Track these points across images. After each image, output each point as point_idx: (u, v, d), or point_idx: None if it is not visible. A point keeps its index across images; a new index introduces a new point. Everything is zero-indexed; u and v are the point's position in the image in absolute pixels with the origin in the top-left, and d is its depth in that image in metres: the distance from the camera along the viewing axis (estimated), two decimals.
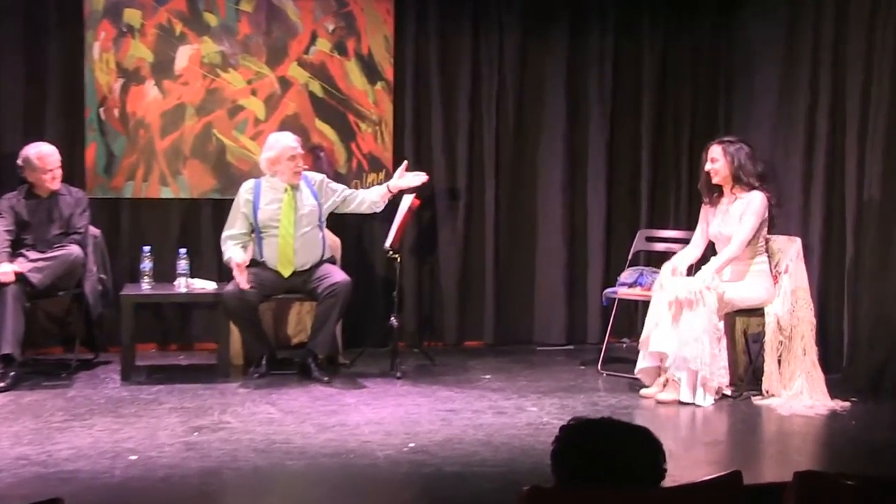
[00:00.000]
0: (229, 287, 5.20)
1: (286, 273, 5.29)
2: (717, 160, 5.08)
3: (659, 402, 4.88)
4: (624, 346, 6.32)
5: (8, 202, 5.37)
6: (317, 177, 5.52)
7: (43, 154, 5.35)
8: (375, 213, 5.60)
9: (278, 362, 5.44)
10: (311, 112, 6.09)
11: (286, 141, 5.31)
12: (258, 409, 4.70)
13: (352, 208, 5.54)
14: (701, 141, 6.37)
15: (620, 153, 6.50)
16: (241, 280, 5.11)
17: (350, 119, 6.17)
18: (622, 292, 5.57)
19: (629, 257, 5.87)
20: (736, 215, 5.04)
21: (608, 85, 6.42)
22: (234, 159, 6.05)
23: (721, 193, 5.15)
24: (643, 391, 5.02)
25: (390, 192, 5.52)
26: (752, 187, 5.04)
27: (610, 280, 6.04)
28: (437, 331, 6.35)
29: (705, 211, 5.22)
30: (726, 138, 5.16)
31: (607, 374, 5.50)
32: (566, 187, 6.40)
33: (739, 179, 5.05)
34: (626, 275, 5.64)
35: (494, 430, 4.39)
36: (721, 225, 5.11)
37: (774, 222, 5.10)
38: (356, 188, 5.97)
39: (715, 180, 5.11)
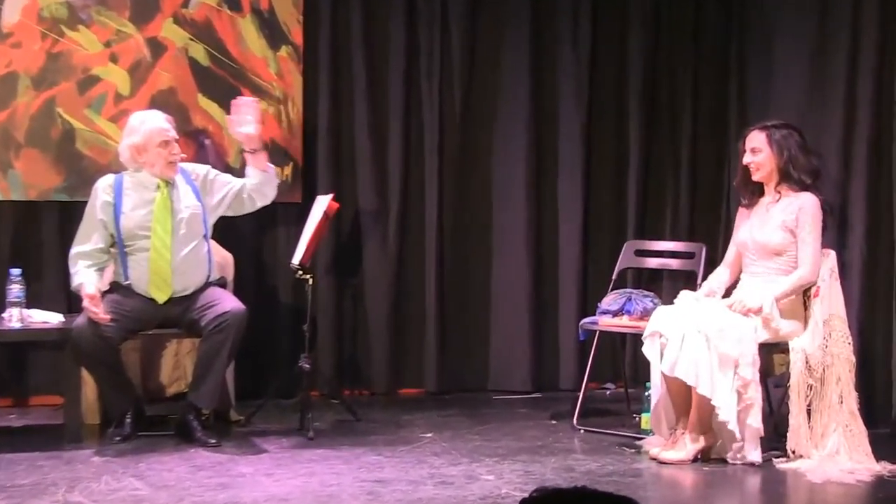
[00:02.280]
0: (80, 320, 5.10)
1: (161, 298, 5.23)
2: (759, 150, 5.12)
3: (662, 463, 4.91)
4: (608, 393, 6.43)
5: None
6: (200, 169, 5.46)
7: None
8: (266, 202, 5.51)
9: (148, 420, 5.38)
10: (193, 86, 6.07)
11: (155, 121, 5.28)
12: (120, 484, 4.57)
13: (247, 207, 5.49)
14: (705, 131, 6.46)
15: (601, 147, 6.59)
16: (94, 313, 5.01)
17: (245, 95, 6.03)
18: (604, 323, 5.59)
19: (613, 277, 5.91)
20: (777, 221, 5.08)
21: (584, 60, 6.49)
22: (87, 148, 5.95)
23: (761, 193, 5.21)
24: (652, 450, 5.02)
25: (247, 152, 5.44)
26: (803, 186, 5.10)
27: (588, 308, 6.08)
28: (363, 376, 6.41)
29: (741, 216, 5.31)
30: (770, 122, 5.24)
31: (585, 431, 5.52)
32: (530, 191, 6.49)
33: (789, 176, 5.10)
34: (610, 300, 5.65)
35: None
36: (757, 230, 5.15)
37: (824, 233, 5.16)
38: None
39: (756, 176, 5.15)
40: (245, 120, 5.38)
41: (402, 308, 6.40)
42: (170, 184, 5.27)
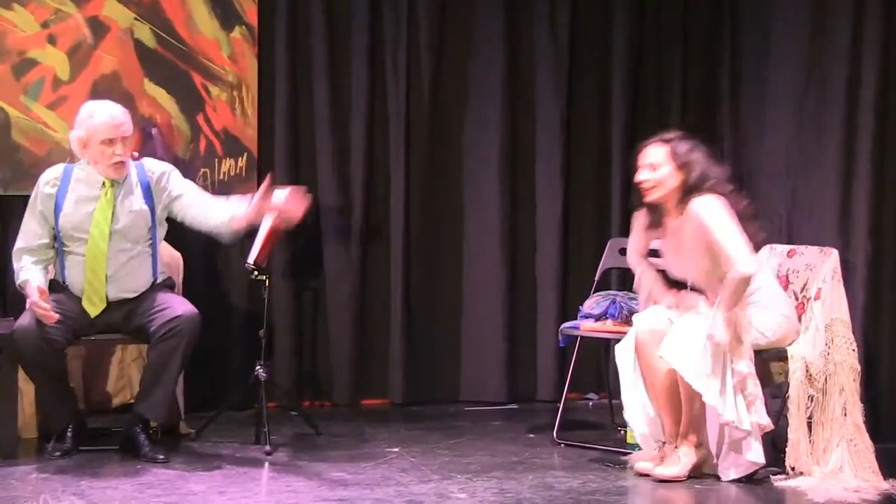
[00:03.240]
0: (24, 321, 5.10)
1: (94, 312, 5.24)
2: (659, 166, 4.99)
3: (659, 482, 4.89)
4: (590, 404, 6.45)
5: None
6: (158, 167, 5.40)
7: None
8: (221, 240, 5.46)
9: (91, 434, 5.38)
10: (139, 70, 6.10)
11: (102, 116, 5.24)
12: (60, 503, 4.53)
13: (189, 219, 5.42)
14: (694, 118, 6.48)
15: (582, 137, 6.60)
16: (44, 310, 5.00)
17: (195, 80, 6.15)
18: (586, 327, 5.61)
19: (596, 278, 5.93)
20: (691, 247, 4.93)
21: (564, 41, 6.50)
22: (24, 138, 5.96)
23: (662, 215, 5.06)
24: (639, 465, 5.02)
25: (248, 218, 5.31)
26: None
27: (568, 311, 6.14)
28: (324, 386, 6.42)
29: (640, 219, 5.19)
30: (670, 135, 5.11)
31: (566, 445, 5.52)
32: (505, 186, 6.51)
33: (694, 192, 4.91)
34: (592, 303, 5.68)
35: None
36: (678, 266, 5.07)
37: (755, 238, 4.98)
38: (206, 181, 6.02)
39: (652, 195, 5.00)
40: (292, 197, 5.31)
41: (366, 312, 6.40)
42: (117, 183, 5.26)
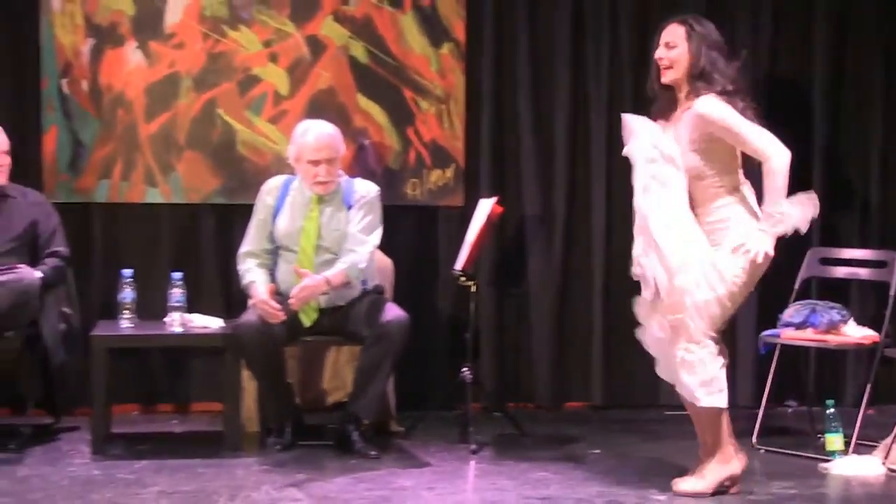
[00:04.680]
0: (247, 317, 5.20)
1: (307, 321, 5.32)
2: (675, 46, 4.59)
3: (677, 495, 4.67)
4: (790, 410, 6.34)
5: None
6: (363, 189, 5.40)
7: None
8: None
9: (307, 430, 5.46)
10: (352, 85, 6.17)
11: (310, 138, 5.28)
12: (280, 494, 4.63)
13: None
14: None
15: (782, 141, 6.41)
16: (272, 309, 5.09)
17: (406, 95, 6.20)
18: (787, 335, 5.51)
19: (796, 287, 5.81)
20: (685, 140, 4.54)
21: (765, 55, 6.43)
22: (247, 150, 6.09)
23: (675, 103, 4.65)
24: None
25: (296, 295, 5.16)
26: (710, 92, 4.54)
27: (769, 320, 5.93)
28: (527, 388, 6.41)
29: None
30: (694, 16, 4.77)
31: (766, 451, 5.44)
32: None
33: (700, 81, 4.54)
34: (792, 312, 5.58)
35: None
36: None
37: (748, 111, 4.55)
38: (415, 190, 6.10)
39: (667, 77, 4.62)
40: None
41: (567, 317, 6.38)
42: (325, 199, 5.31)
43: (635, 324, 6.31)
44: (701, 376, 4.58)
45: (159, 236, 6.07)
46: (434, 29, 6.16)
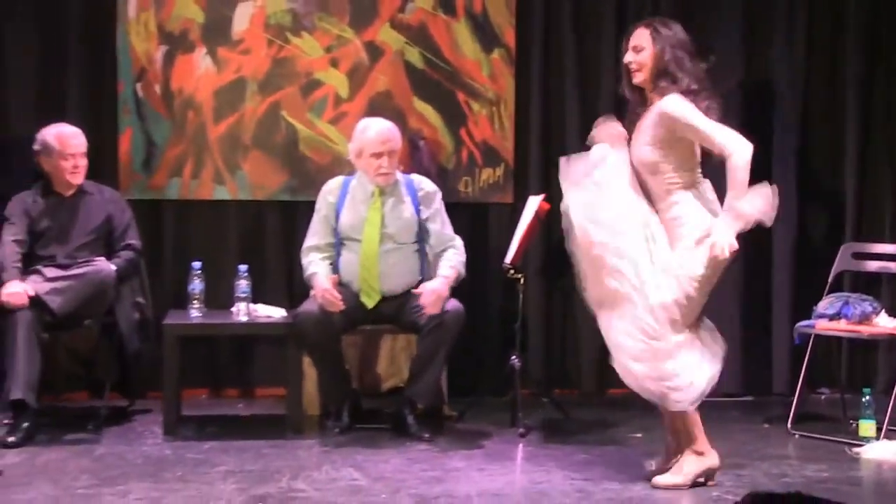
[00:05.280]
0: (307, 306, 5.26)
1: (370, 302, 5.38)
2: (642, 49, 4.51)
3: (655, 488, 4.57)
4: (823, 397, 6.29)
5: (20, 204, 5.50)
6: (427, 185, 5.52)
7: (64, 135, 5.47)
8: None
9: (365, 414, 5.53)
10: (408, 88, 6.18)
11: (371, 133, 5.37)
12: (339, 473, 4.71)
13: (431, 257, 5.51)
14: None
15: (815, 140, 6.46)
16: (333, 298, 5.17)
17: (459, 97, 6.22)
18: (821, 326, 5.51)
19: (829, 280, 5.79)
20: (647, 135, 4.47)
21: (800, 50, 6.37)
22: (309, 150, 6.13)
23: (645, 104, 4.57)
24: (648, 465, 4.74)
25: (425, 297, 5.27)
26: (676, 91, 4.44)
27: (803, 311, 5.93)
28: (572, 375, 6.41)
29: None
30: (660, 19, 4.74)
31: (800, 436, 5.43)
32: None
33: (666, 77, 4.45)
34: (826, 304, 5.57)
35: None
36: (633, 145, 4.57)
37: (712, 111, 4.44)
38: (467, 188, 6.10)
39: (637, 79, 4.54)
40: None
41: None
42: (386, 193, 5.39)
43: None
44: (660, 373, 4.43)
45: (226, 231, 6.13)
46: (485, 35, 6.17)
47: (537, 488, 4.54)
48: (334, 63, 6.12)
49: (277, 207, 6.15)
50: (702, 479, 4.56)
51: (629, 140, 4.58)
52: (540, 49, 6.28)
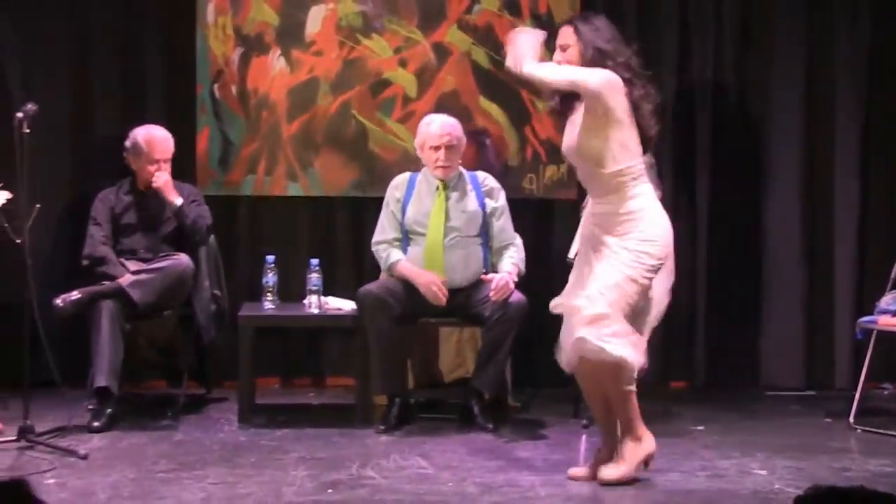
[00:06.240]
0: (369, 286, 5.31)
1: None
2: (568, 47, 4.39)
3: (604, 484, 4.43)
4: (886, 392, 6.23)
5: (105, 203, 5.58)
6: (491, 182, 5.53)
7: (153, 139, 5.54)
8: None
9: (430, 404, 5.58)
10: (475, 88, 6.17)
11: (432, 128, 5.40)
12: (407, 462, 4.73)
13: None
14: None
15: (880, 137, 6.35)
16: (441, 291, 5.23)
17: (523, 96, 6.19)
18: (883, 322, 5.44)
19: (892, 277, 5.69)
20: (580, 120, 4.31)
21: (864, 50, 6.26)
22: (379, 147, 6.16)
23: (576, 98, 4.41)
24: (572, 470, 4.56)
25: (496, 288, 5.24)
26: None
27: (865, 306, 5.90)
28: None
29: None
30: (583, 15, 4.60)
31: (862, 431, 5.36)
32: (804, 186, 6.33)
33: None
34: (889, 299, 5.52)
35: (710, 497, 4.32)
36: (566, 137, 4.44)
37: (646, 133, 4.33)
38: (532, 185, 6.08)
39: None
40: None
41: (671, 302, 6.29)
42: (450, 187, 5.40)
43: (736, 308, 6.31)
44: (604, 330, 4.26)
45: (299, 226, 6.17)
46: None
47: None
48: (403, 63, 6.14)
49: (347, 203, 6.19)
50: (643, 465, 4.44)
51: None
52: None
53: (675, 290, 6.20)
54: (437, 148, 5.35)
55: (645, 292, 4.38)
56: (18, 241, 4.81)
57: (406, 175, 5.54)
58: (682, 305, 6.25)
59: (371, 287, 5.32)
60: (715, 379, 6.29)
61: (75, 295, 5.18)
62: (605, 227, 4.34)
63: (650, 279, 4.36)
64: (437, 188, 5.40)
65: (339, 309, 5.51)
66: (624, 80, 4.28)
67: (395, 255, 5.38)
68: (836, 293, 6.33)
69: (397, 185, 5.51)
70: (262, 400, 5.69)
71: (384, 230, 5.47)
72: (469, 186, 5.46)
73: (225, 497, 4.25)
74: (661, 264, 4.37)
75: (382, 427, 5.22)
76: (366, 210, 6.00)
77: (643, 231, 4.31)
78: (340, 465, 4.65)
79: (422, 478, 4.50)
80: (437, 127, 5.39)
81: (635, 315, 4.40)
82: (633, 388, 4.40)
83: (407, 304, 5.30)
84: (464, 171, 5.49)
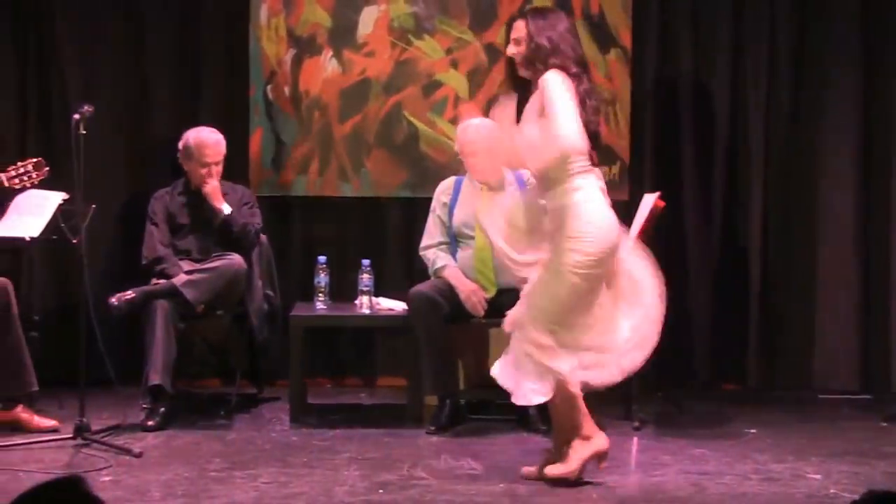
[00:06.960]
0: (420, 287, 5.28)
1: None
2: (520, 41, 4.33)
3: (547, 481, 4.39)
4: None
5: (161, 202, 5.60)
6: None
7: (202, 142, 5.53)
8: None
9: (481, 405, 5.52)
10: None
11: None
12: (457, 462, 4.72)
13: None
14: None
15: None
16: (480, 302, 5.22)
17: None
18: None
19: None
20: (530, 121, 4.28)
21: None
22: (430, 148, 6.15)
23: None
24: (525, 469, 4.50)
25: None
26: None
27: None
28: (685, 369, 6.29)
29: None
30: (537, 8, 4.52)
31: None
32: (859, 182, 6.25)
33: (539, 60, 4.27)
34: None
35: (764, 501, 4.28)
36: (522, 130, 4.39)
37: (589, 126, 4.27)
38: None
39: (521, 72, 4.38)
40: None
41: (723, 303, 6.26)
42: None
43: (789, 310, 6.27)
44: (526, 373, 4.32)
45: (350, 226, 6.19)
46: (602, 36, 6.12)
47: (652, 481, 4.51)
48: (454, 64, 6.14)
49: (398, 204, 6.19)
50: (592, 463, 4.39)
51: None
52: (655, 48, 6.21)
53: (728, 296, 6.24)
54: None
55: (584, 291, 4.26)
56: (75, 241, 4.85)
57: (452, 179, 5.52)
58: (734, 310, 6.29)
59: (422, 287, 5.30)
60: (768, 381, 6.24)
61: (130, 294, 5.20)
62: (552, 223, 4.31)
63: (584, 276, 4.23)
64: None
65: (391, 309, 5.50)
66: (571, 74, 4.25)
67: (442, 260, 5.35)
68: (892, 295, 6.23)
69: (443, 190, 5.48)
70: (314, 400, 5.71)
71: (431, 235, 5.45)
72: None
73: (277, 496, 4.24)
74: (595, 261, 4.23)
75: (433, 427, 5.19)
76: (417, 211, 5.98)
77: (572, 227, 4.23)
78: (391, 465, 4.64)
79: (472, 478, 4.48)
80: (467, 134, 5.34)
81: (597, 319, 4.33)
82: (575, 391, 4.35)
83: (456, 305, 5.27)
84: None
